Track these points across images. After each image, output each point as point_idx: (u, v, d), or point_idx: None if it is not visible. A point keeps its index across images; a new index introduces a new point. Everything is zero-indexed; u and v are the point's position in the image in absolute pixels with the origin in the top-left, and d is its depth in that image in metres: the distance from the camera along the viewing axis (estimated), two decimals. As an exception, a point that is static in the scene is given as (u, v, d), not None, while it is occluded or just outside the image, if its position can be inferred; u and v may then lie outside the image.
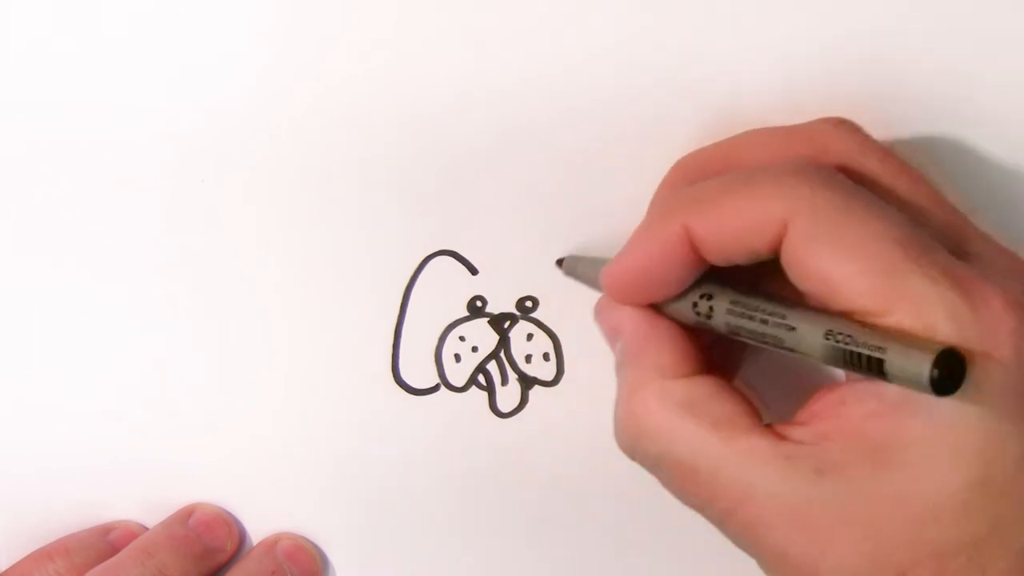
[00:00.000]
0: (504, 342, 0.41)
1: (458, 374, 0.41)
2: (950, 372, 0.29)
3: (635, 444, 0.34)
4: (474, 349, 0.41)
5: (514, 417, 0.41)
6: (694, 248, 0.34)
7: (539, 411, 0.41)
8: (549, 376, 0.41)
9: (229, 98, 0.40)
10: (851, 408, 0.32)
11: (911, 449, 0.31)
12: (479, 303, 0.41)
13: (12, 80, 0.40)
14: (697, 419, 0.33)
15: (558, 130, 0.40)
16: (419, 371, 0.41)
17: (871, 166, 0.34)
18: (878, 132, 0.36)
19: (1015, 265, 0.34)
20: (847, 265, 0.31)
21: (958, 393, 0.30)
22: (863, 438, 0.31)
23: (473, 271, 0.41)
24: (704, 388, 0.34)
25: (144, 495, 0.41)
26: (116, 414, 0.41)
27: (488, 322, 0.41)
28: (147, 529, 0.41)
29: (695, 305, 0.35)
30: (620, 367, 0.36)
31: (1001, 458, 0.31)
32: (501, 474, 0.41)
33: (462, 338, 0.41)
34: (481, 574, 0.42)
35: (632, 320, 0.36)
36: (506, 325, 0.41)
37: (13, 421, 0.41)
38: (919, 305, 0.30)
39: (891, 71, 0.39)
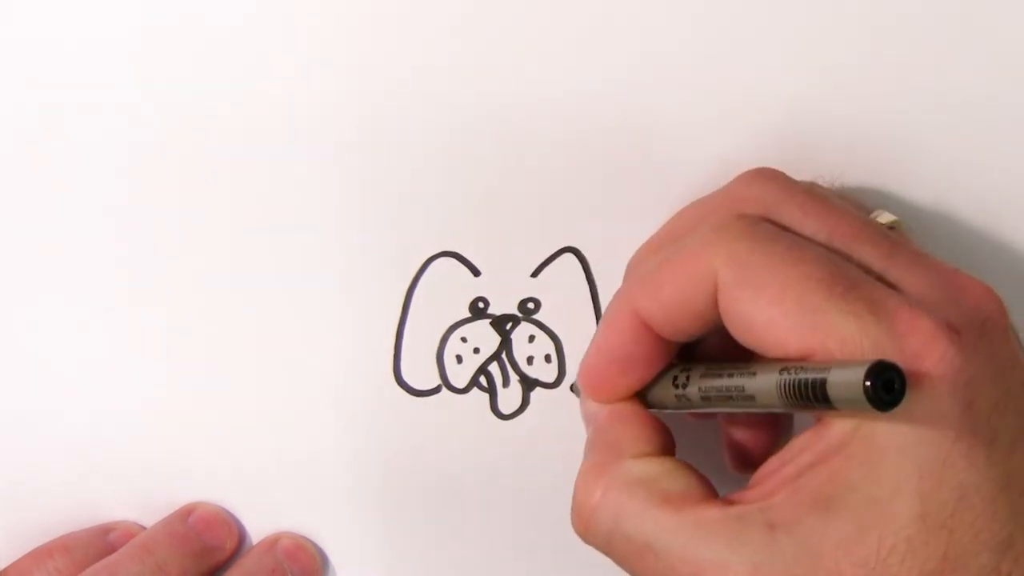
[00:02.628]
0: (506, 344, 0.41)
1: (460, 375, 0.41)
2: (887, 384, 0.29)
3: (587, 523, 0.34)
4: (476, 350, 0.41)
5: (515, 419, 0.41)
6: (649, 329, 0.34)
7: (540, 413, 0.41)
8: (551, 378, 0.41)
9: (231, 99, 0.40)
10: (791, 465, 0.32)
11: (853, 493, 0.31)
12: (481, 304, 0.41)
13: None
14: (648, 494, 0.33)
15: (561, 131, 0.40)
16: (421, 372, 0.41)
17: (790, 212, 0.34)
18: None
19: (949, 284, 0.33)
20: (770, 309, 0.32)
21: (893, 427, 0.30)
22: (806, 489, 0.31)
23: (475, 272, 0.41)
24: (659, 466, 0.34)
25: (144, 495, 0.41)
26: (116, 414, 0.41)
27: (490, 323, 0.41)
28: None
29: (675, 379, 0.35)
30: (586, 449, 0.36)
31: (938, 490, 0.31)
32: (502, 476, 0.41)
33: (464, 339, 0.41)
34: (481, 575, 0.42)
35: (605, 410, 0.36)
36: (508, 327, 0.41)
37: (13, 420, 0.41)
38: (843, 343, 0.31)
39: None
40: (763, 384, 0.32)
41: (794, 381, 0.31)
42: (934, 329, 0.31)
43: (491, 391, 0.41)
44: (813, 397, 0.30)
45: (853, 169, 0.39)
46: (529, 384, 0.41)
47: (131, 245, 0.40)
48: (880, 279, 0.33)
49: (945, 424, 0.31)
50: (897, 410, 0.29)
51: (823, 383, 0.30)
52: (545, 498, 0.41)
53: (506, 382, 0.41)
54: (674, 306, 0.34)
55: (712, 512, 0.32)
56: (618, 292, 0.36)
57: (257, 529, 0.41)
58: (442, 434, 0.41)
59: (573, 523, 0.35)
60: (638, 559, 0.33)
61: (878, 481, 0.31)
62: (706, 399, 0.34)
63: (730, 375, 0.33)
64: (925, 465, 0.31)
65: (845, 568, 0.31)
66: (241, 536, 0.41)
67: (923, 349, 0.31)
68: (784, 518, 0.31)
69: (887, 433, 0.30)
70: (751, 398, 0.33)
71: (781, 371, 0.31)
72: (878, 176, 0.40)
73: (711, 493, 0.33)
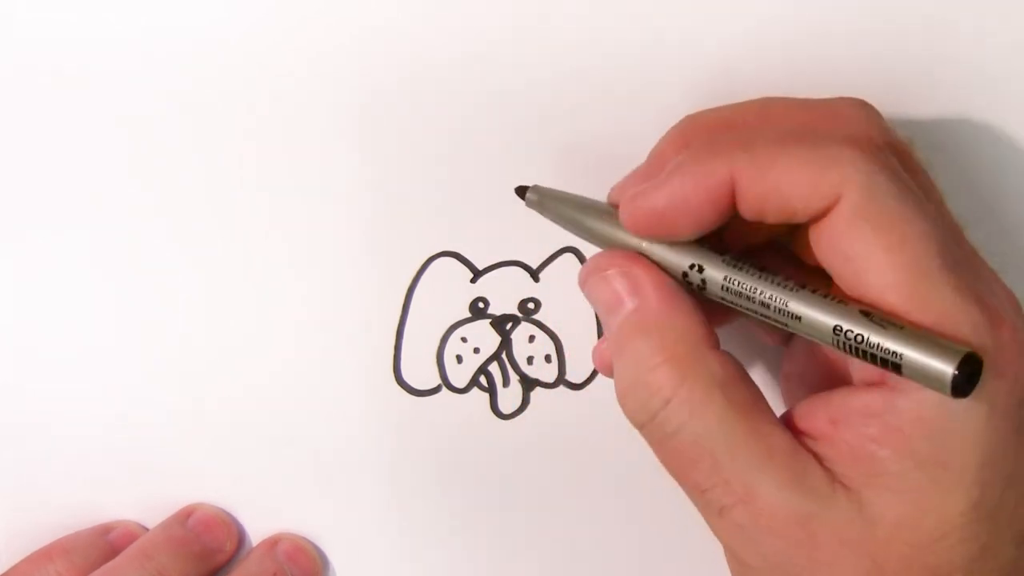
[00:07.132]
0: (506, 343, 0.41)
1: (460, 375, 0.41)
2: (971, 377, 0.29)
3: (654, 414, 0.32)
4: (476, 350, 0.41)
5: (515, 419, 0.41)
6: (732, 196, 0.32)
7: (540, 413, 0.41)
8: (551, 378, 0.41)
9: (231, 97, 0.40)
10: (853, 430, 0.31)
11: (919, 471, 0.31)
12: (481, 304, 0.41)
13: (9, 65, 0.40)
14: (726, 402, 0.31)
15: (561, 130, 0.40)
16: (421, 372, 0.41)
17: (908, 165, 0.33)
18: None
19: (1002, 287, 0.33)
20: (886, 254, 0.30)
21: (968, 412, 0.30)
22: (869, 461, 0.31)
23: (475, 272, 0.41)
24: (732, 367, 0.32)
25: (144, 495, 0.41)
26: (116, 414, 0.41)
27: (490, 323, 0.41)
28: (147, 529, 0.41)
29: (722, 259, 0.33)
30: (631, 332, 0.33)
31: (992, 479, 0.31)
32: (502, 475, 0.41)
33: (464, 339, 0.41)
34: (481, 574, 0.42)
35: (652, 283, 0.33)
36: (508, 326, 0.41)
37: (13, 421, 0.41)
38: (945, 315, 0.30)
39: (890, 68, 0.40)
40: (812, 328, 0.31)
41: (855, 350, 0.30)
42: (1016, 327, 0.31)
43: (491, 391, 0.41)
44: (881, 360, 0.29)
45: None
46: (529, 384, 0.41)
47: (132, 247, 0.40)
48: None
49: (1009, 416, 0.31)
50: (972, 397, 0.29)
51: (897, 366, 0.29)
52: (545, 497, 0.41)
53: (506, 382, 0.41)
54: (778, 194, 0.31)
55: (781, 441, 0.31)
56: (712, 143, 0.33)
57: (257, 530, 0.41)
58: (442, 434, 0.41)
59: (627, 405, 0.33)
60: (693, 461, 0.32)
61: (945, 464, 0.30)
62: (726, 292, 0.32)
63: (764, 304, 0.32)
64: (988, 454, 0.30)
65: (896, 544, 0.31)
66: (241, 537, 0.41)
67: (1008, 344, 0.31)
68: (849, 480, 0.31)
69: (961, 417, 0.30)
70: (795, 317, 0.31)
71: (835, 329, 0.30)
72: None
73: (768, 406, 0.32)
